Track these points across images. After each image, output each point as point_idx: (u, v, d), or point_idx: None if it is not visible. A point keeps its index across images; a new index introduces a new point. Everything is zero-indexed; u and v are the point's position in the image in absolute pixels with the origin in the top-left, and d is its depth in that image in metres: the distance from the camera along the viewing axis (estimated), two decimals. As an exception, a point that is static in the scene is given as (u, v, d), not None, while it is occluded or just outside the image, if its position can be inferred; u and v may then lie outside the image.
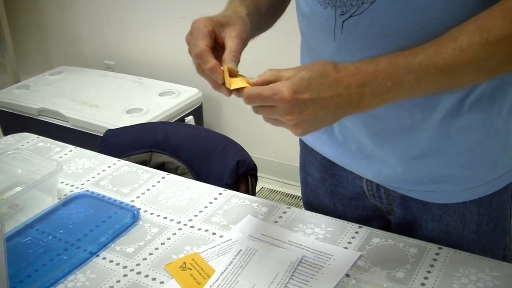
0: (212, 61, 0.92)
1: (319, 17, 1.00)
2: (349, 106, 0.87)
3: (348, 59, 0.95)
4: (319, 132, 1.17)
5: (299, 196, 3.06)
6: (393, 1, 0.89)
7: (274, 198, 3.11)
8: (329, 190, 1.28)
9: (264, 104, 0.88)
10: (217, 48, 0.97)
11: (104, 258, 1.13)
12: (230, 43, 0.95)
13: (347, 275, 1.04)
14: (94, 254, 1.14)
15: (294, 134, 0.91)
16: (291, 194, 3.14)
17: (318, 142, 1.22)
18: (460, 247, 1.09)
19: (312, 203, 1.35)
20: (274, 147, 3.11)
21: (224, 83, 0.93)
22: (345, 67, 0.87)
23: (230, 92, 0.93)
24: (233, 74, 0.92)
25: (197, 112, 3.11)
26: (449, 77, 0.85)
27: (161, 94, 3.05)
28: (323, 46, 1.02)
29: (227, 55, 0.94)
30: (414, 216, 1.15)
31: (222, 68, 0.93)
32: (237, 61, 0.93)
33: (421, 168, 1.07)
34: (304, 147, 1.31)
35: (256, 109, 0.90)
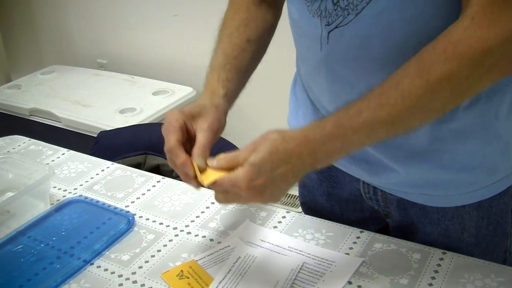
0: (182, 156, 0.95)
1: (307, 25, 1.01)
2: (305, 170, 0.91)
3: (336, 67, 0.99)
4: None
5: (295, 195, 3.06)
6: (378, 13, 0.89)
7: (269, 197, 3.07)
8: (326, 192, 1.26)
9: (228, 193, 0.92)
10: (191, 140, 0.99)
11: (99, 267, 1.10)
12: (200, 136, 0.97)
13: (350, 283, 1.01)
14: (88, 262, 1.10)
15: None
16: (287, 193, 3.10)
17: None
18: (460, 251, 1.07)
19: (309, 204, 1.33)
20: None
21: (195, 176, 0.95)
22: (293, 137, 0.89)
23: (199, 185, 0.96)
24: (202, 170, 0.93)
25: (191, 111, 3.04)
26: (397, 126, 0.87)
27: (154, 93, 3.00)
28: (311, 53, 1.03)
29: (195, 150, 0.95)
30: (412, 219, 1.13)
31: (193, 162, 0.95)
32: (205, 155, 0.95)
33: (418, 171, 1.04)
34: None
35: (222, 198, 0.95)
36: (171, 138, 0.95)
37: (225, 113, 1.03)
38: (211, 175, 0.91)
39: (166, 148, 0.96)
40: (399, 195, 1.11)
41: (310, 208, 1.33)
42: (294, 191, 3.23)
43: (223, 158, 0.92)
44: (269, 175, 0.87)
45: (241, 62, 1.08)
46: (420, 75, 0.82)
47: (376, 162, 1.07)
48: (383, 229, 1.20)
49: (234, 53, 1.08)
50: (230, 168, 0.90)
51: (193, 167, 0.93)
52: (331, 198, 1.26)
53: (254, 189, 0.88)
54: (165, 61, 3.29)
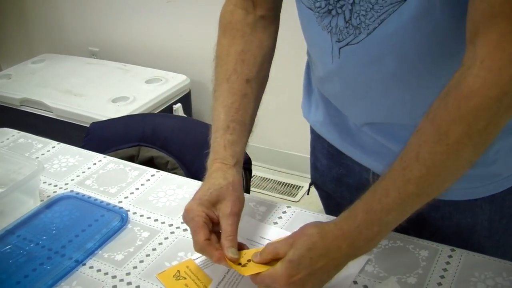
0: (216, 255, 0.92)
1: (317, 37, 0.98)
2: (346, 260, 0.88)
3: (348, 79, 0.98)
4: (326, 121, 1.15)
5: (292, 184, 3.04)
6: (391, 34, 0.87)
7: (266, 187, 3.04)
8: (335, 178, 1.24)
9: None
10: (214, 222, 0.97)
11: (91, 267, 1.05)
12: (225, 225, 0.94)
13: (355, 282, 0.96)
14: (80, 262, 1.05)
15: None
16: (283, 182, 3.07)
17: (326, 131, 1.18)
18: (471, 244, 1.04)
19: (321, 187, 1.32)
20: (265, 134, 3.04)
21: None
22: (330, 231, 0.87)
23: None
24: (235, 261, 0.92)
25: (186, 100, 3.04)
26: (428, 194, 0.84)
27: (147, 82, 2.98)
28: (323, 64, 1.01)
29: (225, 242, 0.93)
30: (422, 213, 1.08)
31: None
32: (235, 244, 0.93)
33: None
34: (312, 131, 1.27)
35: None
36: (200, 238, 0.92)
37: (241, 185, 1.01)
38: (251, 268, 0.90)
39: (196, 249, 0.94)
40: None
41: (322, 190, 1.32)
42: (289, 179, 3.18)
43: (263, 252, 0.90)
44: (309, 270, 0.85)
45: (245, 112, 1.04)
46: (439, 140, 0.78)
47: (389, 154, 1.02)
48: None
49: (235, 105, 1.03)
50: (272, 259, 0.89)
51: (227, 260, 0.92)
52: (340, 185, 1.24)
53: (293, 285, 0.85)
54: (158, 48, 3.24)
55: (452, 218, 1.07)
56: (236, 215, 0.95)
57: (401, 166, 0.82)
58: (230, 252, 0.91)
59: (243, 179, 1.47)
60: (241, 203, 0.97)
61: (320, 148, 1.24)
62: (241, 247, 0.94)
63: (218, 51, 1.09)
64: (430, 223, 1.09)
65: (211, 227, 0.95)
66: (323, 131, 1.18)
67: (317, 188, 1.34)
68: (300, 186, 3.02)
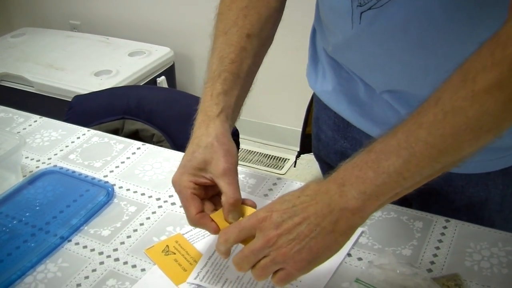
0: (212, 227, 0.86)
1: (335, 1, 0.91)
2: (333, 212, 0.74)
3: (369, 46, 0.89)
4: (336, 90, 1.09)
5: (278, 157, 3.02)
6: None
7: (252, 160, 3.02)
8: (340, 151, 1.19)
9: (241, 233, 0.80)
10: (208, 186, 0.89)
11: (77, 244, 1.02)
12: (223, 186, 0.85)
13: (349, 255, 0.94)
14: (65, 239, 1.02)
15: (296, 272, 0.78)
16: (269, 155, 3.05)
17: (335, 100, 1.11)
18: (481, 219, 1.02)
19: (323, 159, 1.27)
20: (251, 106, 3.00)
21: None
22: (328, 177, 0.77)
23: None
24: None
25: (169, 73, 3.01)
26: (441, 149, 0.70)
27: (130, 55, 2.95)
28: (340, 29, 0.94)
29: (225, 205, 0.85)
30: (433, 186, 1.05)
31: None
32: (236, 207, 0.85)
33: None
34: (318, 102, 1.20)
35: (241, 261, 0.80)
36: (191, 212, 0.86)
37: (228, 136, 0.90)
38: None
39: (189, 223, 0.88)
40: None
41: (325, 163, 1.27)
42: (276, 151, 3.16)
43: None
44: (290, 204, 0.77)
45: (240, 65, 0.95)
46: (464, 85, 0.67)
47: None
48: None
49: (231, 56, 0.95)
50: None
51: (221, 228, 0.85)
52: (344, 158, 1.17)
53: (270, 218, 0.77)
54: (141, 20, 3.19)
55: (465, 192, 1.04)
56: (231, 171, 0.86)
57: (416, 111, 0.72)
58: (231, 218, 0.85)
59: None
60: (232, 156, 0.88)
61: (326, 119, 1.19)
62: (244, 202, 0.88)
63: (220, 8, 1.01)
64: (442, 197, 1.06)
65: (203, 195, 0.88)
66: (331, 101, 1.13)
67: (318, 160, 1.29)
68: (286, 159, 3.00)
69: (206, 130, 0.89)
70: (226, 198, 0.84)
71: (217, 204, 0.88)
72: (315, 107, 1.24)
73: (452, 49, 0.85)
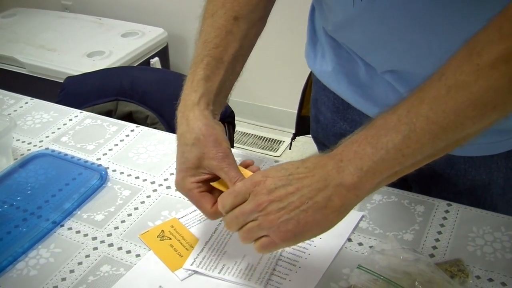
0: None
1: None
2: (328, 187, 0.71)
3: (371, 24, 0.87)
4: (335, 71, 1.05)
5: (273, 139, 2.99)
6: None
7: (246, 142, 3.00)
8: (339, 133, 1.16)
9: (236, 199, 0.78)
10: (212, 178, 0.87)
11: (70, 229, 0.99)
12: (223, 175, 0.83)
13: (349, 240, 0.92)
14: (58, 224, 1.00)
15: (279, 242, 0.76)
16: (264, 137, 3.03)
17: (335, 80, 1.08)
18: (483, 202, 1.01)
19: (321, 141, 1.24)
20: (245, 88, 2.98)
21: None
22: (329, 152, 0.74)
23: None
24: None
25: (163, 54, 2.98)
26: (443, 127, 0.67)
27: (123, 35, 2.91)
28: (342, 8, 0.90)
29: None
30: (434, 169, 1.04)
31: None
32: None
33: None
34: (316, 83, 1.17)
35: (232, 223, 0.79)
36: (206, 209, 0.85)
37: (211, 123, 0.86)
38: None
39: (209, 218, 0.86)
40: None
41: (323, 145, 1.24)
42: (270, 133, 3.14)
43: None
44: (285, 173, 0.74)
45: (225, 50, 0.91)
46: (469, 59, 0.64)
47: None
48: None
49: (215, 41, 0.91)
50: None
51: None
52: None
53: (263, 183, 0.75)
54: (134, 0, 3.15)
55: (467, 175, 1.02)
56: (225, 159, 0.84)
57: (420, 87, 0.69)
58: (222, 207, 0.81)
59: (226, 133, 1.43)
60: (222, 143, 0.85)
61: (325, 101, 1.15)
62: (246, 165, 0.88)
63: None
64: (444, 180, 1.04)
65: (209, 186, 0.86)
66: (331, 81, 1.09)
67: (316, 142, 1.27)
68: (281, 141, 2.98)
69: (187, 126, 0.86)
70: (230, 183, 0.83)
71: (215, 193, 0.87)
72: (313, 88, 1.21)
73: (456, 28, 0.81)
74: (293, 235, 0.74)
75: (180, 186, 0.86)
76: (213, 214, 0.84)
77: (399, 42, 0.87)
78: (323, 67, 1.08)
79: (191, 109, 0.86)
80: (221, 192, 0.84)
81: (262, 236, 0.76)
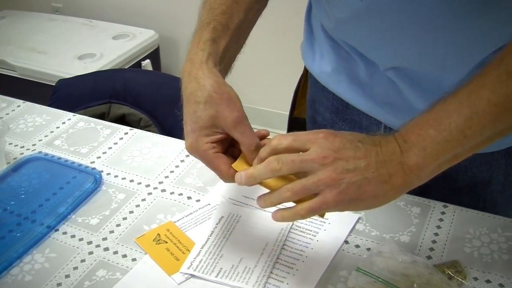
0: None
1: None
2: (392, 164, 0.72)
3: (377, 20, 0.86)
4: (335, 71, 1.05)
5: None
6: None
7: (239, 144, 2.99)
8: None
9: (295, 142, 0.75)
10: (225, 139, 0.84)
11: (65, 233, 0.98)
12: (238, 137, 0.81)
13: (346, 242, 0.92)
14: (52, 228, 0.99)
15: (332, 204, 0.74)
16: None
17: (334, 81, 1.07)
18: (483, 200, 1.01)
19: None
20: (236, 90, 2.96)
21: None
22: (393, 134, 0.75)
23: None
24: None
25: (154, 56, 2.97)
26: (504, 108, 0.70)
27: (114, 38, 2.90)
28: (347, 3, 0.89)
29: (248, 155, 0.81)
30: None
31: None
32: (258, 148, 0.80)
33: None
34: (315, 84, 1.16)
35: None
36: (223, 170, 0.81)
37: (223, 81, 0.83)
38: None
39: (224, 180, 0.82)
40: None
41: None
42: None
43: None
44: (356, 143, 0.73)
45: (231, 17, 0.90)
46: None
47: (403, 106, 0.97)
48: None
49: (222, 8, 0.90)
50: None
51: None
52: None
53: (335, 144, 0.73)
54: (125, 2, 3.14)
55: (468, 172, 1.02)
56: (241, 119, 0.81)
57: (478, 74, 0.71)
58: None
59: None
60: (236, 102, 0.82)
61: (324, 101, 1.15)
62: (263, 135, 0.84)
63: None
64: (445, 176, 1.04)
65: (222, 149, 0.83)
66: (330, 82, 1.09)
67: None
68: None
69: (197, 83, 0.82)
70: (246, 147, 0.80)
71: (235, 156, 0.83)
72: (310, 89, 1.20)
73: (464, 25, 0.81)
74: (349, 200, 0.73)
75: (194, 148, 0.82)
76: (229, 177, 0.81)
77: (404, 38, 0.87)
78: (322, 67, 1.08)
79: (200, 67, 0.83)
80: (235, 157, 0.82)
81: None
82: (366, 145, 0.73)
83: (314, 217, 0.91)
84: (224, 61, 0.88)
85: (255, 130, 0.83)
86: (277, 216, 0.76)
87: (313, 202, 0.73)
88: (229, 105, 0.80)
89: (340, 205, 0.74)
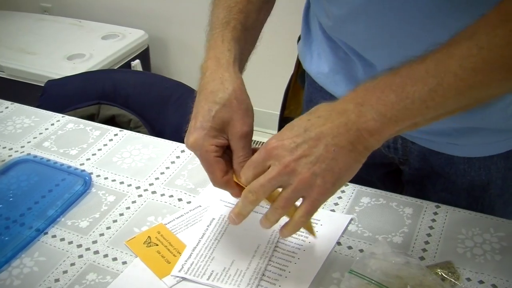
0: (237, 192, 0.82)
1: None
2: (350, 132, 0.72)
3: (375, 18, 0.85)
4: (333, 71, 1.04)
5: (256, 141, 2.97)
6: None
7: (229, 144, 2.98)
8: None
9: (256, 169, 0.76)
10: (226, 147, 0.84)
11: (54, 236, 0.97)
12: (236, 148, 0.81)
13: (339, 243, 0.91)
14: (41, 231, 0.98)
15: (320, 198, 0.75)
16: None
17: (332, 82, 1.07)
18: (481, 203, 1.01)
19: None
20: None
21: None
22: (342, 97, 0.75)
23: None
24: None
25: (144, 56, 2.95)
26: (469, 84, 0.68)
27: (104, 38, 2.88)
28: (345, 0, 0.88)
29: (237, 168, 0.81)
30: (432, 167, 1.05)
31: None
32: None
33: (448, 118, 0.94)
34: (312, 84, 1.15)
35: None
36: (217, 176, 0.81)
37: (245, 90, 0.84)
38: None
39: (214, 185, 0.83)
40: (423, 144, 1.02)
41: None
42: (256, 136, 3.13)
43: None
44: (302, 130, 0.73)
45: (248, 17, 0.90)
46: (503, 25, 0.65)
47: None
48: (392, 172, 1.12)
49: (239, 6, 0.90)
50: None
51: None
52: None
53: (281, 145, 0.73)
54: (114, 2, 3.12)
55: (466, 175, 1.02)
56: (248, 135, 0.82)
57: (448, 43, 0.69)
58: (245, 180, 0.79)
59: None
60: (250, 117, 0.83)
61: (321, 102, 1.13)
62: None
63: None
64: (443, 179, 1.04)
65: (222, 154, 0.83)
66: (328, 83, 1.08)
67: None
68: (263, 143, 2.96)
69: (221, 84, 0.82)
70: (238, 160, 0.81)
71: (227, 162, 0.83)
72: (307, 89, 1.19)
73: (465, 23, 0.81)
74: (332, 185, 0.74)
75: (199, 145, 0.81)
76: (220, 184, 0.82)
77: (402, 37, 0.86)
78: (320, 68, 1.07)
79: (227, 68, 0.84)
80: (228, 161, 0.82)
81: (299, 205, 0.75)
82: (315, 128, 0.73)
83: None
84: (242, 60, 0.89)
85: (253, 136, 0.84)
86: (284, 234, 0.79)
87: (305, 207, 0.74)
88: (243, 117, 0.81)
89: (327, 193, 0.75)
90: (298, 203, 0.76)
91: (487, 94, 0.71)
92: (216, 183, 0.82)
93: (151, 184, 1.07)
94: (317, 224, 0.94)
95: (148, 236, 0.95)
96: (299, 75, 1.21)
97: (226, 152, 0.83)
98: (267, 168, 0.74)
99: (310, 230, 0.85)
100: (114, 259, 0.92)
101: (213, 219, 0.96)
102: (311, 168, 0.72)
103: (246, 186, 0.78)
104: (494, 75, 0.68)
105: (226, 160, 0.83)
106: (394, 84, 0.70)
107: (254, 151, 0.83)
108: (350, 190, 1.02)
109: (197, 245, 0.91)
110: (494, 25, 0.67)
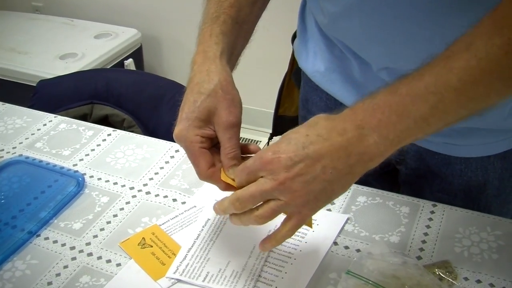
0: (222, 184, 0.81)
1: None
2: (351, 156, 0.70)
3: (370, 14, 0.84)
4: (329, 70, 1.03)
5: (249, 139, 2.97)
6: None
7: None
8: None
9: (249, 177, 0.75)
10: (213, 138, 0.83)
11: (47, 238, 0.96)
12: (223, 140, 0.80)
13: (335, 243, 0.90)
14: (34, 234, 0.97)
15: (309, 213, 0.75)
16: (241, 137, 2.99)
17: (328, 80, 1.05)
18: (478, 203, 1.01)
19: None
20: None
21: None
22: (340, 114, 0.73)
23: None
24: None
25: (137, 55, 2.94)
26: (470, 97, 0.68)
27: (96, 37, 2.87)
28: None
29: (224, 160, 0.80)
30: (429, 167, 1.04)
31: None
32: (237, 161, 0.80)
33: None
34: (307, 82, 1.14)
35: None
36: (202, 168, 0.81)
37: (232, 82, 0.84)
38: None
39: (200, 178, 0.82)
40: (419, 144, 1.01)
41: None
42: (252, 135, 3.12)
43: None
44: (299, 147, 0.71)
45: (238, 11, 0.89)
46: (500, 32, 0.64)
47: None
48: (389, 172, 1.11)
49: (230, 0, 0.89)
50: None
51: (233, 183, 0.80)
52: None
53: (277, 161, 0.71)
54: (106, 1, 3.11)
55: (463, 175, 1.01)
56: (234, 125, 0.81)
57: (445, 55, 0.67)
58: (231, 173, 0.79)
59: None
60: (236, 107, 0.81)
61: (317, 101, 1.13)
62: (247, 150, 0.83)
63: None
64: (440, 179, 1.03)
65: (209, 146, 0.82)
66: (324, 82, 1.07)
67: None
68: (258, 141, 2.96)
69: (207, 75, 0.82)
70: (225, 152, 0.80)
71: (214, 154, 0.83)
72: (303, 88, 1.18)
73: (462, 21, 0.80)
74: (323, 203, 0.74)
75: (183, 136, 0.80)
76: (205, 176, 0.81)
77: (400, 34, 0.85)
78: (316, 66, 1.06)
79: (213, 61, 0.83)
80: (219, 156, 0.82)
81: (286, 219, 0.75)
82: (314, 147, 0.71)
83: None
84: (232, 57, 0.88)
85: (247, 135, 0.83)
86: (266, 248, 0.79)
87: (294, 221, 0.74)
88: (229, 107, 0.80)
89: (318, 210, 0.75)
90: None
91: (486, 104, 0.69)
92: (202, 175, 0.81)
93: (145, 185, 1.06)
94: (313, 223, 0.93)
95: (143, 238, 0.94)
96: (294, 73, 1.20)
97: (216, 146, 0.82)
98: (259, 177, 0.74)
99: (309, 224, 0.83)
100: (108, 261, 0.91)
101: (208, 219, 0.95)
102: (306, 187, 0.71)
103: (233, 184, 0.78)
104: (494, 85, 0.67)
105: (215, 154, 0.82)
106: (394, 104, 0.69)
107: (244, 148, 0.83)
108: (346, 189, 1.01)
109: (192, 246, 0.90)
110: (490, 33, 0.65)
